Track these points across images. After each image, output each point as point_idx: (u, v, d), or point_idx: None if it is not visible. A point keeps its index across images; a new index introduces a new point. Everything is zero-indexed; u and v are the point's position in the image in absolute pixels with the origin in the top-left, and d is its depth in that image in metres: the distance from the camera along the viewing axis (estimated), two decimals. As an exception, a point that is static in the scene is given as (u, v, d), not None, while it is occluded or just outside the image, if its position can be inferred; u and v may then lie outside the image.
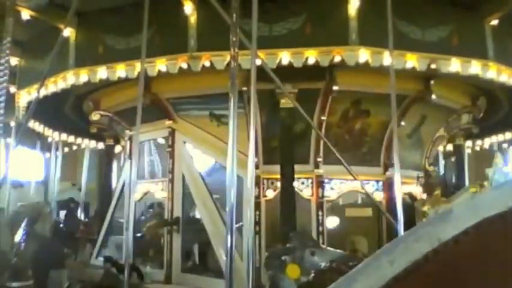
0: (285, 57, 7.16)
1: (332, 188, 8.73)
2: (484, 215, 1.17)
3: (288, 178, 7.83)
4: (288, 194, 7.78)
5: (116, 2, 7.84)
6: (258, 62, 4.93)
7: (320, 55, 7.19)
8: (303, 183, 8.55)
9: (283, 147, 8.08)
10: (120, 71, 7.84)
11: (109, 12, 8.08)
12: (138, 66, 7.10)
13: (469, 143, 13.01)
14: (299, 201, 8.11)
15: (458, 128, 10.66)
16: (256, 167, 8.09)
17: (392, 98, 5.61)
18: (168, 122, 9.30)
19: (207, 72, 7.50)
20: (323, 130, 8.33)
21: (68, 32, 8.00)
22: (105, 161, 12.05)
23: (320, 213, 8.46)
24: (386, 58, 6.77)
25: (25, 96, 9.53)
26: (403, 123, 8.62)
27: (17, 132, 9.19)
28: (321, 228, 8.38)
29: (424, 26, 7.59)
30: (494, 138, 12.92)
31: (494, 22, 8.03)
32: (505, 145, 13.27)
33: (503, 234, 1.18)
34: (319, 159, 8.60)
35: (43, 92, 8.03)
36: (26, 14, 7.85)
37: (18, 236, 6.73)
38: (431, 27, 7.63)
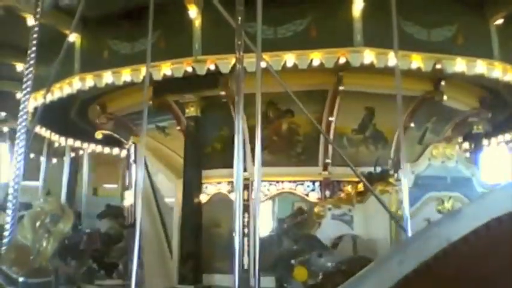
0: (290, 59, 7.16)
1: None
2: (493, 215, 1.17)
3: (192, 183, 8.51)
4: (191, 199, 8.45)
5: (121, 7, 7.86)
6: (263, 64, 4.93)
7: (325, 57, 7.19)
8: (230, 186, 8.77)
9: (188, 154, 8.59)
10: (126, 75, 7.86)
11: (114, 17, 8.11)
12: (143, 70, 7.13)
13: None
14: (227, 204, 8.33)
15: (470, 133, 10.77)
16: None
17: (398, 99, 5.58)
18: (133, 138, 9.87)
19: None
20: (246, 134, 8.34)
21: (74, 38, 8.03)
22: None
23: (246, 215, 8.59)
24: (392, 59, 6.76)
25: (31, 102, 9.55)
26: (412, 124, 8.69)
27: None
28: (246, 230, 8.54)
29: (429, 26, 7.57)
30: (501, 138, 12.83)
31: (499, 21, 8.00)
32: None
33: (512, 234, 1.18)
34: (247, 162, 8.58)
35: (49, 98, 8.06)
36: (31, 20, 7.88)
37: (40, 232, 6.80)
38: (436, 27, 7.61)
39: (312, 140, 8.77)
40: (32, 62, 4.13)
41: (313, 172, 8.80)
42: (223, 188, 8.97)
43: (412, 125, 8.63)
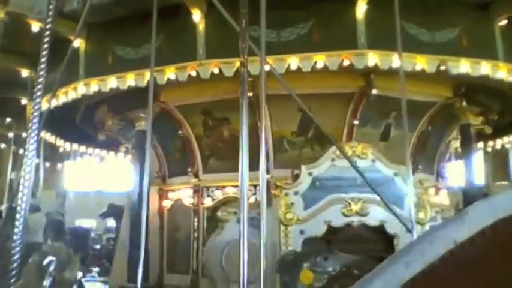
0: (293, 62, 7.16)
1: (208, 196, 9.17)
2: (499, 216, 1.16)
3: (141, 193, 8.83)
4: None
5: (125, 12, 7.88)
6: (267, 68, 4.94)
7: (329, 59, 7.19)
8: (186, 192, 9.43)
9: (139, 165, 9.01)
10: (130, 80, 7.88)
11: (118, 22, 8.13)
12: (147, 75, 7.14)
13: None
14: (183, 209, 9.22)
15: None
16: (163, 179, 9.71)
17: (403, 102, 5.59)
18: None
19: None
20: (194, 143, 9.17)
21: (78, 43, 8.06)
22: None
23: (196, 219, 9.10)
24: (396, 61, 6.74)
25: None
26: (355, 121, 8.55)
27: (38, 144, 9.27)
28: (196, 234, 9.03)
29: (433, 28, 7.56)
30: (506, 139, 12.78)
31: (504, 22, 7.99)
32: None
33: (519, 235, 1.17)
34: (199, 170, 9.33)
35: (54, 103, 8.08)
36: (35, 26, 7.92)
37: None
38: (440, 28, 7.60)
39: (252, 145, 8.85)
40: (42, 71, 4.13)
41: (254, 176, 8.88)
42: (182, 195, 9.51)
43: (356, 122, 8.39)
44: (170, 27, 7.45)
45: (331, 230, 5.90)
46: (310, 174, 6.08)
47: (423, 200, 6.09)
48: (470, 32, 7.82)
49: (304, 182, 6.12)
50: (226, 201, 8.86)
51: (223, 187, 9.00)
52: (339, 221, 5.89)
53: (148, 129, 5.45)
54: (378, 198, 5.62)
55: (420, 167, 9.04)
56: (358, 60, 7.15)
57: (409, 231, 5.90)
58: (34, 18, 7.76)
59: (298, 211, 5.99)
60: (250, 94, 7.87)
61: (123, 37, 8.20)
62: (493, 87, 8.33)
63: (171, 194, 9.73)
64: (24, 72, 9.39)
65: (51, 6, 4.38)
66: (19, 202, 3.56)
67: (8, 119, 12.97)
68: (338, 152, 6.14)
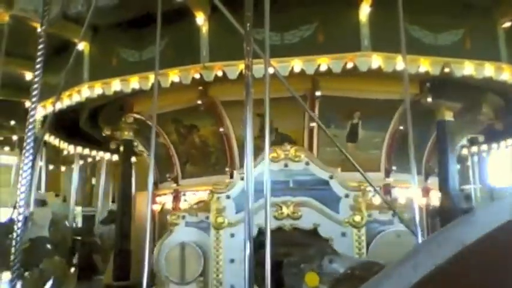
0: (297, 65, 7.17)
1: (185, 200, 9.56)
2: (507, 218, 1.16)
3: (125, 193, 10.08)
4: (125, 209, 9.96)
5: (129, 15, 7.90)
6: (271, 70, 4.95)
7: (332, 62, 7.19)
8: (168, 197, 10.00)
9: (123, 173, 10.15)
10: (134, 83, 7.90)
11: (122, 25, 8.16)
12: (151, 78, 7.16)
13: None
14: (164, 213, 9.50)
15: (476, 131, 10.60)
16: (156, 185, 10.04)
17: (406, 103, 5.60)
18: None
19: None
20: (172, 150, 9.63)
21: (82, 46, 8.08)
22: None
23: None
24: (399, 63, 6.75)
25: (40, 111, 9.62)
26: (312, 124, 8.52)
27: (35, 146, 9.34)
28: None
29: (437, 30, 7.55)
30: (510, 142, 12.77)
31: (507, 24, 7.97)
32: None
33: (527, 236, 1.17)
34: (178, 175, 9.85)
35: (58, 106, 8.11)
36: (40, 29, 7.94)
37: None
38: (443, 31, 7.59)
39: (220, 150, 9.15)
40: (38, 71, 4.15)
41: (222, 180, 9.16)
42: (166, 200, 10.08)
43: (313, 124, 8.36)
44: (174, 30, 7.47)
45: (263, 233, 5.99)
46: (242, 178, 6.15)
47: (359, 202, 6.04)
48: (473, 34, 7.81)
49: (236, 186, 6.14)
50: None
51: (197, 191, 9.32)
52: (270, 225, 5.96)
53: (152, 131, 5.46)
54: (311, 201, 5.64)
55: (394, 167, 8.93)
56: (361, 62, 7.16)
57: (343, 235, 5.93)
58: (38, 21, 7.78)
59: (229, 215, 6.07)
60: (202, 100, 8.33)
61: (128, 40, 8.22)
62: (459, 82, 8.06)
63: (158, 199, 10.27)
64: (29, 75, 9.39)
65: (46, 10, 4.42)
66: (18, 202, 3.58)
67: (12, 122, 13.02)
68: (272, 156, 6.11)
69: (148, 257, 4.56)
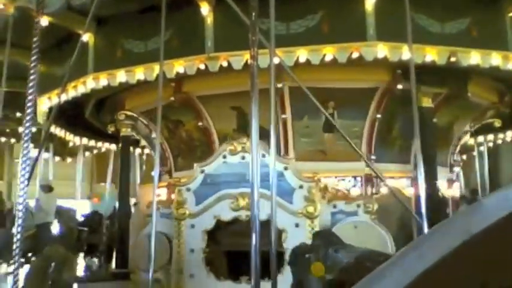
0: (302, 55, 7.14)
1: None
2: (515, 208, 1.15)
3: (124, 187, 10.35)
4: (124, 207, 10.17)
5: (133, 6, 7.89)
6: (276, 60, 4.93)
7: (338, 52, 7.16)
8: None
9: (123, 167, 10.43)
10: (139, 74, 7.90)
11: (127, 16, 8.14)
12: (156, 68, 7.16)
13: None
14: None
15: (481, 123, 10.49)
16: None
17: (412, 95, 5.58)
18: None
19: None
20: (165, 144, 9.82)
21: (87, 37, 8.08)
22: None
23: None
24: (406, 52, 6.71)
25: (46, 102, 9.64)
26: (284, 115, 8.54)
27: (40, 137, 9.42)
28: None
29: (443, 19, 7.50)
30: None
31: (514, 13, 7.92)
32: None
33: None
34: (172, 169, 10.08)
35: (64, 97, 8.12)
36: (44, 21, 7.93)
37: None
38: (450, 19, 7.53)
39: (204, 144, 9.32)
40: (35, 62, 4.15)
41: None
42: (161, 192, 10.03)
43: (284, 116, 8.38)
44: (179, 20, 7.45)
45: (221, 224, 6.09)
46: (202, 171, 6.22)
47: (312, 193, 6.05)
48: (480, 23, 7.75)
49: (197, 179, 6.27)
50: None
51: None
52: (227, 216, 5.99)
53: (158, 121, 5.46)
54: (265, 192, 5.73)
55: (374, 157, 8.78)
56: (367, 52, 7.12)
57: (297, 225, 5.93)
58: (42, 12, 7.77)
59: (190, 207, 6.22)
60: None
61: (132, 31, 8.21)
62: (430, 67, 7.72)
63: (157, 191, 10.35)
64: (34, 67, 9.41)
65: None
66: (19, 192, 3.59)
67: (18, 114, 13.05)
68: (229, 149, 6.16)
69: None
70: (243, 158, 6.18)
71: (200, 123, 9.10)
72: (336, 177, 8.65)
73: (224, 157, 6.27)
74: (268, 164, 6.11)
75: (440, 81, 8.34)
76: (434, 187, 7.97)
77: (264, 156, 6.06)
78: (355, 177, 8.74)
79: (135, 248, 6.71)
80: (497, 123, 10.64)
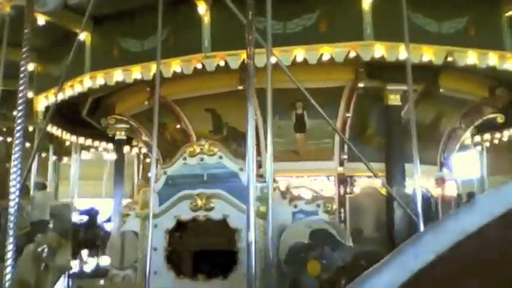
0: (299, 54, 7.14)
1: None
2: (509, 205, 1.15)
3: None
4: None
5: (130, 5, 7.87)
6: (273, 60, 4.93)
7: (335, 51, 7.16)
8: None
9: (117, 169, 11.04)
10: (136, 73, 7.89)
11: (124, 15, 8.13)
12: (153, 67, 7.15)
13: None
14: None
15: (481, 120, 10.43)
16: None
17: (410, 92, 5.57)
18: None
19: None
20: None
21: (84, 36, 8.06)
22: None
23: None
24: (402, 52, 6.70)
25: (43, 101, 9.63)
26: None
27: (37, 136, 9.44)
28: None
29: (440, 18, 7.50)
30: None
31: (511, 13, 7.92)
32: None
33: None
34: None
35: (61, 96, 8.11)
36: (41, 20, 7.92)
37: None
38: (447, 19, 7.54)
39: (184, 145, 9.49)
40: (25, 60, 4.13)
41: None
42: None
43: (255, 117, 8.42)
44: (175, 19, 7.44)
45: (181, 224, 6.17)
46: (165, 173, 6.31)
47: (265, 194, 6.10)
48: (477, 23, 7.76)
49: (160, 180, 6.33)
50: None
51: None
52: (187, 216, 6.08)
53: (154, 123, 5.46)
54: (222, 193, 5.87)
55: (346, 156, 8.75)
56: (364, 51, 7.12)
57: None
58: (39, 11, 7.76)
59: (154, 207, 6.32)
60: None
61: (129, 30, 8.20)
62: (397, 65, 7.39)
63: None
64: (31, 66, 9.39)
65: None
66: (12, 189, 3.57)
67: (15, 112, 13.03)
68: (188, 151, 6.31)
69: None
70: (202, 159, 6.26)
71: (178, 126, 9.36)
72: (308, 176, 8.75)
73: (184, 159, 6.35)
74: (225, 165, 6.30)
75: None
76: (401, 184, 7.98)
77: (221, 158, 6.19)
78: (328, 177, 8.82)
79: (110, 246, 6.96)
80: (500, 118, 10.56)
